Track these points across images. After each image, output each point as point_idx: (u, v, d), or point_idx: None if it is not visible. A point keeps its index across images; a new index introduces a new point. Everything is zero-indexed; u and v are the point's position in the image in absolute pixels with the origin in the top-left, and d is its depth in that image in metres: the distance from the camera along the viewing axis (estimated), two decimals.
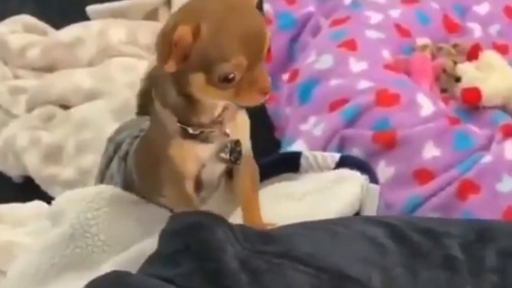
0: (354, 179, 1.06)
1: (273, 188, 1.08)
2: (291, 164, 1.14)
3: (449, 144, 1.24)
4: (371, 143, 1.25)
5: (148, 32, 1.52)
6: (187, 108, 0.88)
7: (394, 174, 1.23)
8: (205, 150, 0.93)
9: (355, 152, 1.25)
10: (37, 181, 1.32)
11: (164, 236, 0.85)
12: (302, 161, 1.13)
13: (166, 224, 0.86)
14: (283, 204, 1.04)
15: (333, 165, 1.10)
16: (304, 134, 1.32)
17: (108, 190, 1.05)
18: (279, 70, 1.56)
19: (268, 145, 1.38)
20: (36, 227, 1.12)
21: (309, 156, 1.12)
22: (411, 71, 1.40)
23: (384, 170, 1.23)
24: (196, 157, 0.93)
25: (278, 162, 1.13)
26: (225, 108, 0.90)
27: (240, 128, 0.94)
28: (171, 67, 0.80)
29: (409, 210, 1.20)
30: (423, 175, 1.22)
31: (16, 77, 1.50)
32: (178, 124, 0.89)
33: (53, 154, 1.33)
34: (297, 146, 1.29)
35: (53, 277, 0.97)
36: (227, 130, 0.91)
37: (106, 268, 0.91)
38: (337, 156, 1.11)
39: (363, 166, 1.10)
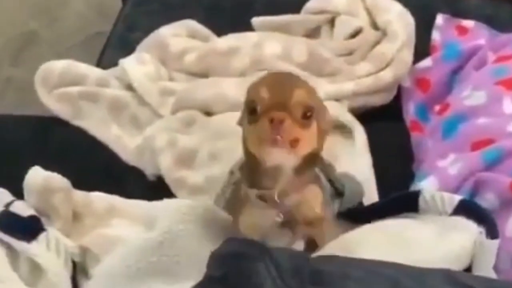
0: (467, 231, 0.98)
1: (387, 232, 1.04)
2: (410, 204, 1.08)
3: None
4: (508, 191, 1.14)
5: (304, 49, 1.50)
6: (255, 173, 0.94)
7: None
8: (265, 217, 0.96)
9: (490, 197, 1.15)
10: (167, 181, 1.34)
11: (210, 259, 0.83)
12: (421, 201, 1.06)
13: (218, 247, 0.84)
14: (391, 249, 0.99)
15: (450, 210, 1.03)
16: (439, 170, 1.24)
17: (203, 205, 1.05)
18: (434, 101, 1.49)
19: (401, 178, 1.32)
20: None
21: (427, 196, 1.05)
22: None
23: None
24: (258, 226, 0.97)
25: (396, 202, 1.08)
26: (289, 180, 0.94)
27: (306, 201, 0.96)
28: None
29: None
30: None
31: (171, 79, 1.53)
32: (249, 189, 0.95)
33: (187, 158, 1.34)
34: (429, 182, 1.22)
35: (136, 281, 0.98)
36: (276, 198, 0.94)
37: (191, 281, 0.88)
38: (456, 199, 1.03)
39: (483, 216, 1.01)
